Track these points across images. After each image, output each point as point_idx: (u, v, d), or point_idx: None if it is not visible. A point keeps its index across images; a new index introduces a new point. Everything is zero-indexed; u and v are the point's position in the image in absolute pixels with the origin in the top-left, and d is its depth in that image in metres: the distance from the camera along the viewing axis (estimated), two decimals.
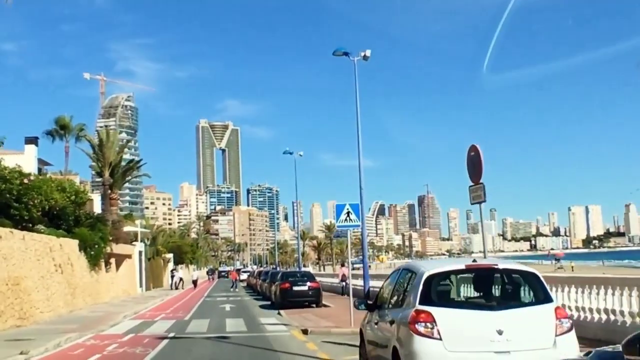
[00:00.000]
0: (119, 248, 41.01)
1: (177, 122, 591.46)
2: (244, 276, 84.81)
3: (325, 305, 29.27)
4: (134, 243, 47.82)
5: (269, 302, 33.78)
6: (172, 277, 58.24)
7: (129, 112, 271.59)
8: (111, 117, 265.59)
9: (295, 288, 29.07)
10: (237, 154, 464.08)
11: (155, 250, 62.13)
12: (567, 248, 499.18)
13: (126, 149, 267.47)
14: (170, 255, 78.54)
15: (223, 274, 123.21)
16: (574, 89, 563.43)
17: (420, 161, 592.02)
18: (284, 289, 29.04)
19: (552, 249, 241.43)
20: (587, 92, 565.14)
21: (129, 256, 45.97)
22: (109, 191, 51.26)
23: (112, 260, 39.76)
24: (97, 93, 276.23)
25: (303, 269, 72.91)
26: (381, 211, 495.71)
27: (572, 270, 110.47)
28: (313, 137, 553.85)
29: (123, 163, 54.78)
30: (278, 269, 68.55)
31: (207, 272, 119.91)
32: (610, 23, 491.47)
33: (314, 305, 29.27)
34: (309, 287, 29.17)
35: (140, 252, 50.73)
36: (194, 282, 54.79)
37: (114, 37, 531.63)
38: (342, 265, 46.05)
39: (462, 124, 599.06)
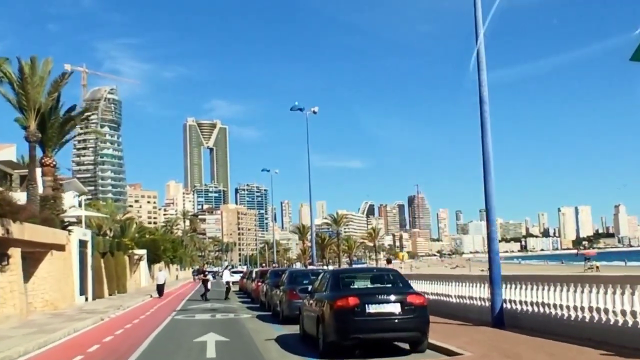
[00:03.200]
0: (30, 232, 23.72)
1: (165, 122, 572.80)
2: (234, 277, 67.48)
3: (443, 350, 12.25)
4: (69, 228, 30.41)
5: (290, 329, 16.90)
6: (206, 281, 37.60)
7: (112, 105, 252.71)
8: (93, 111, 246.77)
9: (373, 308, 11.87)
10: (225, 153, 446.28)
11: (115, 243, 44.72)
12: (557, 249, 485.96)
13: (109, 144, 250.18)
14: (143, 252, 61.16)
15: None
16: (560, 87, 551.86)
17: (409, 162, 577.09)
18: (346, 312, 11.77)
19: (581, 248, 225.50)
20: (575, 91, 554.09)
21: (61, 247, 28.66)
22: (42, 152, 34.00)
23: (15, 253, 22.48)
24: (79, 89, 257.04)
25: (309, 267, 55.75)
26: (371, 211, 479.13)
27: (598, 271, 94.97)
28: (301, 138, 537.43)
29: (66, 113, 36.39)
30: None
31: (193, 273, 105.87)
32: (595, 21, 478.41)
33: (409, 347, 12.43)
34: (403, 305, 12.00)
35: (83, 243, 33.35)
36: (160, 289, 37.41)
37: (100, 36, 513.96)
38: (389, 262, 29.43)
39: (450, 124, 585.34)
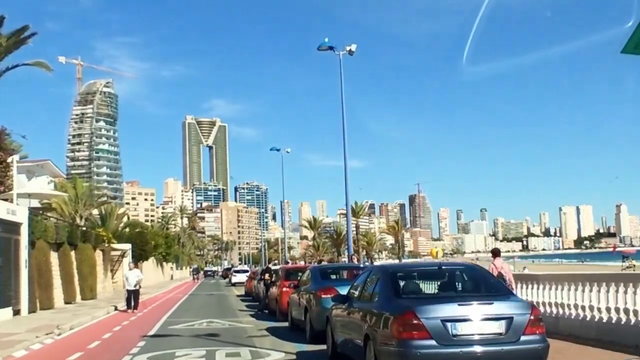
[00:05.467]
0: None
1: (163, 120, 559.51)
2: (239, 277, 55.71)
3: None
4: None
5: None
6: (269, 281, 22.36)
7: (108, 99, 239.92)
8: (88, 104, 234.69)
9: None
10: (225, 151, 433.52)
11: (80, 232, 32.66)
12: (559, 249, 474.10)
13: (105, 139, 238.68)
14: (126, 247, 49.23)
15: (209, 273, 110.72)
16: (558, 83, 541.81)
17: (409, 161, 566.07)
18: None
19: (617, 245, 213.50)
20: (571, 87, 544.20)
21: None
22: None
23: None
24: (74, 82, 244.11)
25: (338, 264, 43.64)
26: (372, 210, 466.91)
27: (635, 269, 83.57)
28: (300, 137, 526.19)
29: None
30: (279, 265, 35.67)
31: (192, 272, 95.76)
32: (588, 13, 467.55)
33: None
34: None
35: (10, 227, 21.30)
36: (131, 296, 24.63)
37: (99, 35, 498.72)
38: (496, 255, 17.14)
39: (450, 123, 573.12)
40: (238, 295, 38.25)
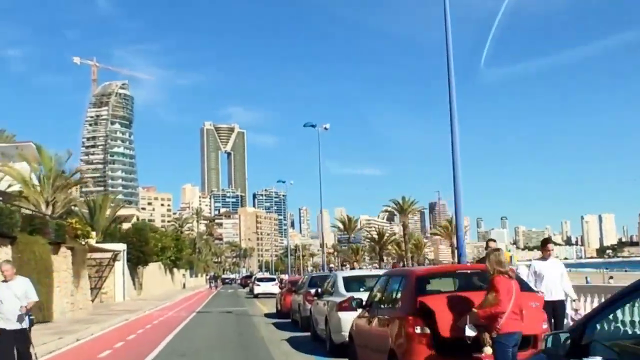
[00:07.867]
0: None
1: (181, 128, 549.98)
2: (263, 287, 43.46)
3: None
4: None
5: None
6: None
7: (124, 100, 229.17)
8: (103, 107, 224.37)
9: None
10: (243, 157, 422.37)
11: (23, 217, 20.46)
12: (581, 258, 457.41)
13: (120, 142, 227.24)
14: (119, 247, 37.16)
15: (227, 281, 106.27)
16: (578, 87, 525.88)
17: (428, 168, 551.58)
18: None
19: None
20: (593, 90, 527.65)
21: None
22: None
23: None
24: (89, 84, 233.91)
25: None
26: (391, 217, 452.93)
27: None
28: (317, 144, 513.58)
29: None
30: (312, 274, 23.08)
31: (209, 279, 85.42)
32: (604, 16, 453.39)
33: None
34: None
35: None
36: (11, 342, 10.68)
37: (117, 43, 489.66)
38: None
39: (469, 130, 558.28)
40: (267, 315, 25.85)
